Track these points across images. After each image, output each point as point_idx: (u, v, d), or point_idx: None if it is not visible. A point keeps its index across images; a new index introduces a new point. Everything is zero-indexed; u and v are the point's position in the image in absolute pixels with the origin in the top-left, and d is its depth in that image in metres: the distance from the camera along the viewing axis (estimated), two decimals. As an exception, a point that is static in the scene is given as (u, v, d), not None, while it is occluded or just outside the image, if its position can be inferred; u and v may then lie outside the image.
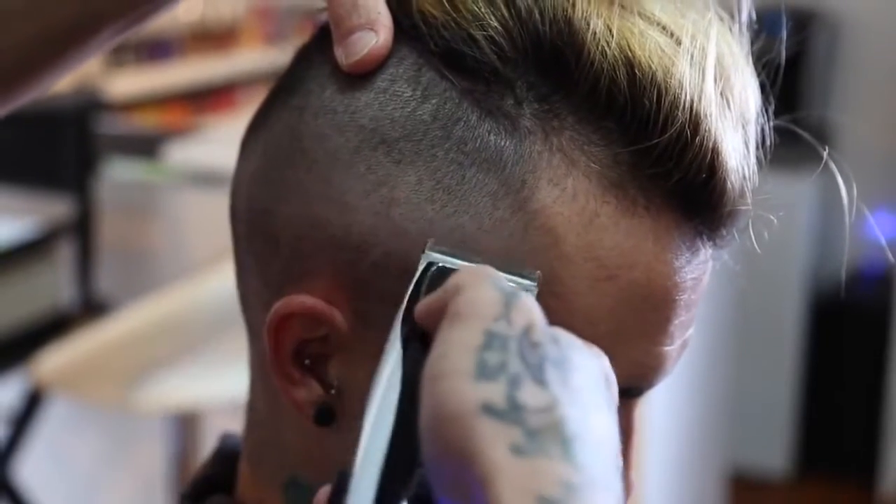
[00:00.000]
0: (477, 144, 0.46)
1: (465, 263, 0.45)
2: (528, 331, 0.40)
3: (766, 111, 0.51)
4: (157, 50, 3.13)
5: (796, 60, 2.92)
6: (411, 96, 0.47)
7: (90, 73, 2.60)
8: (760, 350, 2.99)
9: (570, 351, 0.41)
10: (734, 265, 0.53)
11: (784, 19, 0.54)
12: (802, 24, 2.68)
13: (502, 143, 0.46)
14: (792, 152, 0.57)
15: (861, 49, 3.14)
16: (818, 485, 3.06)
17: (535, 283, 0.45)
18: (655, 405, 1.90)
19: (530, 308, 0.42)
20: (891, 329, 2.89)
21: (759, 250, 0.51)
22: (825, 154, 0.54)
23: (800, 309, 3.01)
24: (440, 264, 0.45)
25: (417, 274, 0.45)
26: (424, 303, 0.44)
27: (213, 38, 3.35)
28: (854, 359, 3.06)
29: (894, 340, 2.88)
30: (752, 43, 0.52)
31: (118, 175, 2.40)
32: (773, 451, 3.08)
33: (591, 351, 0.42)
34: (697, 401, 2.37)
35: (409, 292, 0.45)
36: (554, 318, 0.46)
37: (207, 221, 2.20)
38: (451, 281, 0.43)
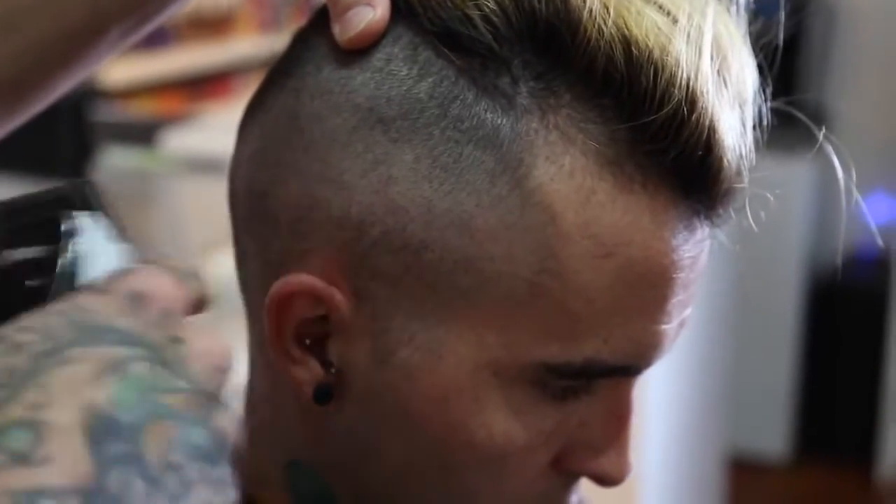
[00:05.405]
0: (474, 122, 0.46)
1: None
2: None
3: (764, 92, 0.51)
4: (154, 37, 3.12)
5: (793, 43, 2.94)
6: (407, 75, 0.47)
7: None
8: (759, 334, 2.99)
9: None
10: (732, 247, 0.53)
11: (782, 1, 0.54)
12: (799, 7, 2.68)
13: (499, 121, 0.46)
14: (789, 135, 0.57)
15: (857, 32, 3.14)
16: (817, 468, 3.07)
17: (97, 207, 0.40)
18: (654, 389, 1.90)
19: None
20: (888, 312, 2.89)
21: (756, 230, 0.51)
22: (821, 136, 0.54)
23: (798, 292, 3.02)
24: None
25: None
26: None
27: (209, 25, 3.34)
28: (852, 342, 3.07)
29: (892, 323, 2.88)
30: (750, 24, 0.52)
31: (114, 163, 2.39)
32: (772, 435, 3.09)
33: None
34: (696, 385, 2.38)
35: None
36: (551, 297, 0.47)
37: (204, 209, 2.20)
38: None
